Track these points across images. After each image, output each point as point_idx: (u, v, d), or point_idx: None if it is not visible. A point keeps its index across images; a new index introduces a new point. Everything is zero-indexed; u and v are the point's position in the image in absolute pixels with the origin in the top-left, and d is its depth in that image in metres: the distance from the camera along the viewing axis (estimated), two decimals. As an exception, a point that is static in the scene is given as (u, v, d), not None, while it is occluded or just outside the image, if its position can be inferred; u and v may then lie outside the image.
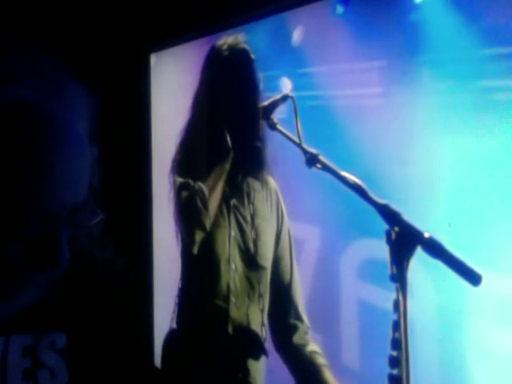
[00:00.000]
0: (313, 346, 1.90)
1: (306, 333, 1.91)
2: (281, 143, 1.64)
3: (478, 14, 2.24)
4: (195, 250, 1.72)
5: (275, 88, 1.79)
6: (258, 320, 1.85)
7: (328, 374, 1.83)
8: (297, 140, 1.54)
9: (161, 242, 3.65)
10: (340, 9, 2.66)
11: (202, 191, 1.68)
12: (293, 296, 1.92)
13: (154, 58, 3.80)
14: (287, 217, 1.98)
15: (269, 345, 1.90)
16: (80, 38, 3.34)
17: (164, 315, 2.30)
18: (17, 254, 0.72)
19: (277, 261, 1.92)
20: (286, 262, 1.94)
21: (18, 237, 0.71)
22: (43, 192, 0.72)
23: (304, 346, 1.89)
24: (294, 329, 1.90)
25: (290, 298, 1.92)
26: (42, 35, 2.68)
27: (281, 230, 1.95)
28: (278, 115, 1.68)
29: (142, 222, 3.68)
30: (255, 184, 1.91)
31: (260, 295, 1.84)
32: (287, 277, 1.93)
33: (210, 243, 1.76)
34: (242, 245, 1.82)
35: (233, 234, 1.81)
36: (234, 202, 1.84)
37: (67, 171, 0.74)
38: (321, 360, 1.87)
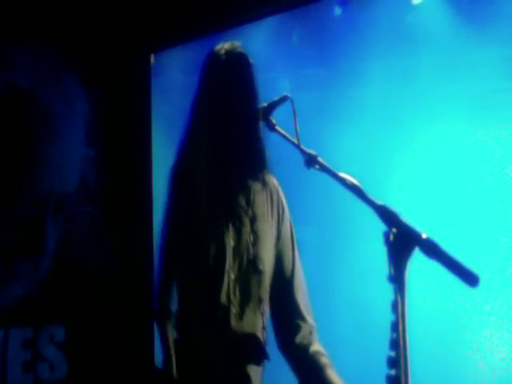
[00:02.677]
0: (317, 346, 1.86)
1: (310, 332, 1.87)
2: (279, 144, 1.65)
3: (476, 14, 2.25)
4: (189, 271, 1.77)
5: (274, 89, 1.79)
6: (259, 324, 1.82)
7: (332, 374, 1.79)
8: (295, 141, 1.54)
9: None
10: (338, 10, 2.68)
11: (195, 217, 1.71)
12: (294, 295, 1.88)
13: (153, 58, 3.80)
14: (289, 214, 1.95)
15: (270, 346, 1.88)
16: (80, 37, 3.34)
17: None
18: (3, 242, 0.73)
19: (278, 260, 1.88)
20: (287, 261, 1.89)
21: (3, 221, 0.72)
22: (30, 176, 0.72)
23: (307, 345, 1.85)
24: (297, 329, 1.86)
25: (291, 297, 1.88)
26: (43, 30, 2.67)
27: (281, 228, 1.91)
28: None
29: (143, 222, 3.68)
30: (255, 185, 1.88)
31: (260, 300, 1.81)
32: (288, 276, 1.89)
33: (208, 256, 1.75)
34: (241, 253, 1.79)
35: (232, 243, 1.78)
36: (232, 209, 1.81)
37: (56, 158, 0.75)
38: (324, 360, 1.83)
